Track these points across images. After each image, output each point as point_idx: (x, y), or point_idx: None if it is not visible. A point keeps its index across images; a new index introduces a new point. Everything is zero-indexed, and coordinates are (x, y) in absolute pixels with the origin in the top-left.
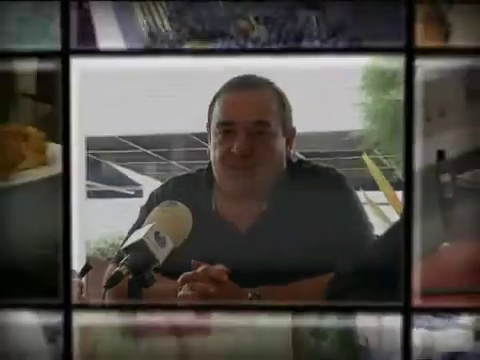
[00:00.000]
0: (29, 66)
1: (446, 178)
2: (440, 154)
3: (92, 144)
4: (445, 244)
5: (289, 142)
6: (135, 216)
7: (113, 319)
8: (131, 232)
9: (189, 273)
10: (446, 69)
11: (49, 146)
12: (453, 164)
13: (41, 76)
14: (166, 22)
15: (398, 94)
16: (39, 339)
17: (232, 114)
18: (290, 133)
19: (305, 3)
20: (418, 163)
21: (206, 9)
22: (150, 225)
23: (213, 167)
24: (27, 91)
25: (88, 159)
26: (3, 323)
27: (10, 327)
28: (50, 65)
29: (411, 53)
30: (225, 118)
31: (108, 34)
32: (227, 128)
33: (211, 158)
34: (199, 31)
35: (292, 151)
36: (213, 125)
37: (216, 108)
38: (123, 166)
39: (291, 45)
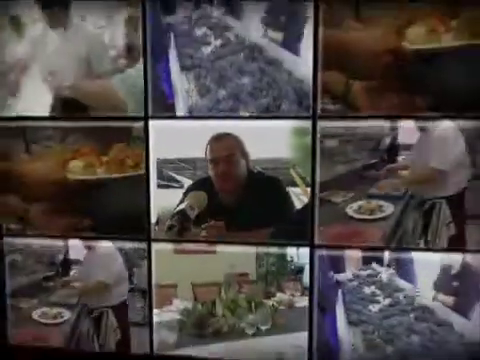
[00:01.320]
0: (136, 123)
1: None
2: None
3: (160, 162)
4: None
5: (247, 161)
6: (179, 197)
7: (169, 246)
8: (178, 205)
9: (205, 224)
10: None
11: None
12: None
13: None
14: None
15: (308, 140)
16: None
17: (215, 154)
18: (246, 156)
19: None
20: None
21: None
22: (187, 201)
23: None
24: (136, 134)
25: (157, 169)
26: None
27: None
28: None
29: (314, 118)
30: (212, 156)
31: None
32: (214, 162)
33: (210, 175)
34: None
35: (251, 165)
36: (208, 160)
37: (207, 151)
38: (174, 173)
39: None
